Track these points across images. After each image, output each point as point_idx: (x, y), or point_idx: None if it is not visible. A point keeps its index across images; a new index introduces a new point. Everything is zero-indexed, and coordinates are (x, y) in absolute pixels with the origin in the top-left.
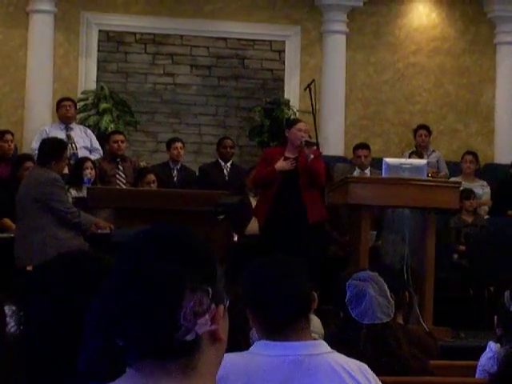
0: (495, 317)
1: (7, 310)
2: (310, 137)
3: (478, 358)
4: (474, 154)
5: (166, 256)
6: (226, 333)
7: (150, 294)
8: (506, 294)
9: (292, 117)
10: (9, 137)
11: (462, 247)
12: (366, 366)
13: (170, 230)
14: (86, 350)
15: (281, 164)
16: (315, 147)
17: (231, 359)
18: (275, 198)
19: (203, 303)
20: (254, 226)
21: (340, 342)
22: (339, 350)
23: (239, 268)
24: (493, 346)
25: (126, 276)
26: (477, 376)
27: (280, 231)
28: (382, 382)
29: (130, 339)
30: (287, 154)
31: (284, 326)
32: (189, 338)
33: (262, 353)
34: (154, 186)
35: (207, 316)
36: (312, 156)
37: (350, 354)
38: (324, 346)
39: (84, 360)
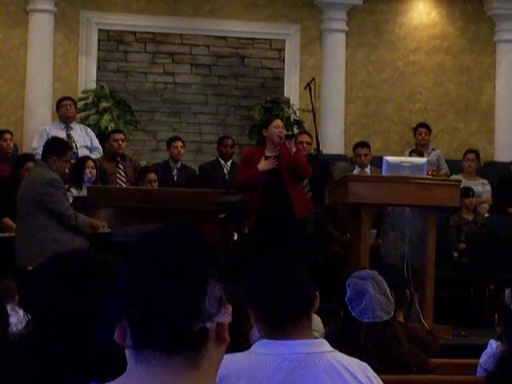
0: (496, 315)
1: (10, 309)
2: (287, 131)
3: (478, 356)
4: (476, 153)
5: (188, 248)
6: (228, 336)
7: (175, 278)
8: (507, 291)
9: (292, 116)
10: (8, 136)
11: (462, 245)
12: (366, 365)
13: (186, 227)
14: (103, 335)
15: (263, 164)
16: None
17: (233, 359)
18: (261, 198)
19: (224, 293)
20: None
21: (340, 340)
22: (340, 349)
23: (240, 267)
24: (494, 344)
25: (151, 263)
26: (477, 374)
27: (269, 229)
28: (382, 380)
29: (149, 325)
30: (268, 153)
31: (286, 324)
32: (209, 325)
33: (263, 352)
34: (155, 185)
35: (227, 307)
36: (294, 149)
37: (350, 352)
38: (325, 345)
39: (101, 342)
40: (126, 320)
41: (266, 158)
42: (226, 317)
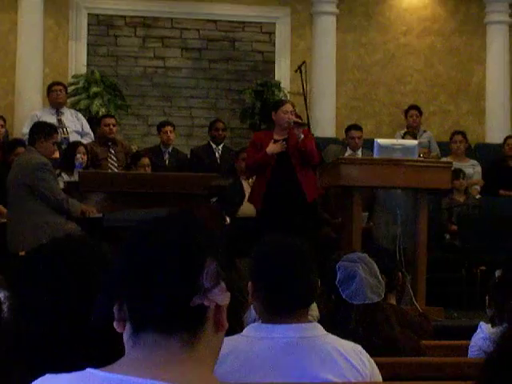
0: (486, 297)
1: (1, 295)
2: (299, 117)
3: (470, 338)
4: (463, 134)
5: (189, 229)
6: (226, 322)
7: (176, 254)
8: (497, 273)
9: (283, 99)
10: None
11: (454, 227)
12: (361, 348)
13: (186, 212)
14: (101, 308)
15: (271, 147)
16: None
17: (227, 342)
18: (270, 181)
19: (221, 273)
20: (246, 208)
21: (332, 323)
22: (331, 332)
23: (232, 251)
24: (484, 327)
25: (153, 241)
26: (469, 356)
27: (277, 213)
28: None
29: (148, 300)
30: (276, 137)
31: (289, 312)
32: (207, 303)
33: (257, 335)
34: (148, 170)
35: (223, 286)
36: (302, 136)
37: (341, 334)
38: (319, 329)
39: (98, 314)
40: (125, 300)
41: (275, 141)
42: (222, 296)
